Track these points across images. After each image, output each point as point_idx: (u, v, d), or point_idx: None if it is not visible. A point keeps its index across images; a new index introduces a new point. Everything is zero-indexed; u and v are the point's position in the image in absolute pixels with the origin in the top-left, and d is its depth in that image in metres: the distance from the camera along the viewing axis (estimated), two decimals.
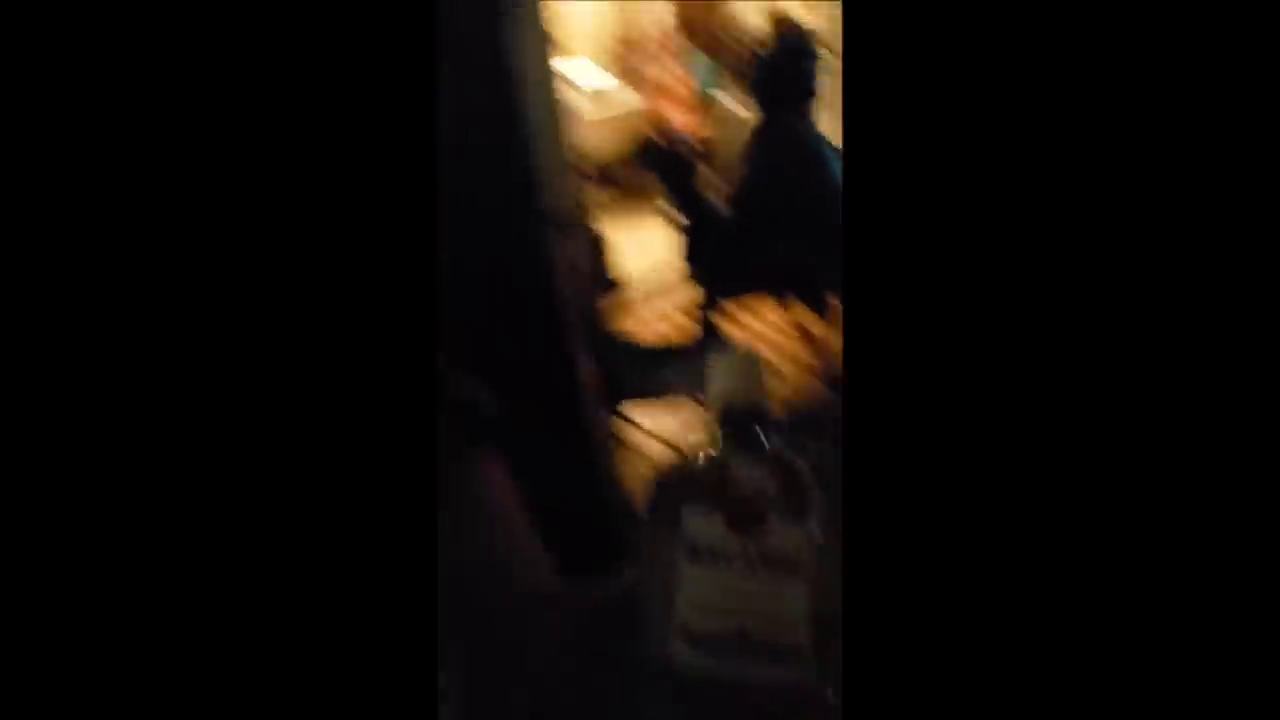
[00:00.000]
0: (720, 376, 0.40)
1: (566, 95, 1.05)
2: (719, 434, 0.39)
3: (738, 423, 0.39)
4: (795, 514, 0.35)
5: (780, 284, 1.41)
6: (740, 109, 1.70)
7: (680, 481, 0.37)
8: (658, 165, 1.61)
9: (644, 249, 2.37)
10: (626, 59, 4.24)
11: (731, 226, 1.51)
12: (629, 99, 3.78)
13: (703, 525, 0.35)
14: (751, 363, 0.41)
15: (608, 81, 3.74)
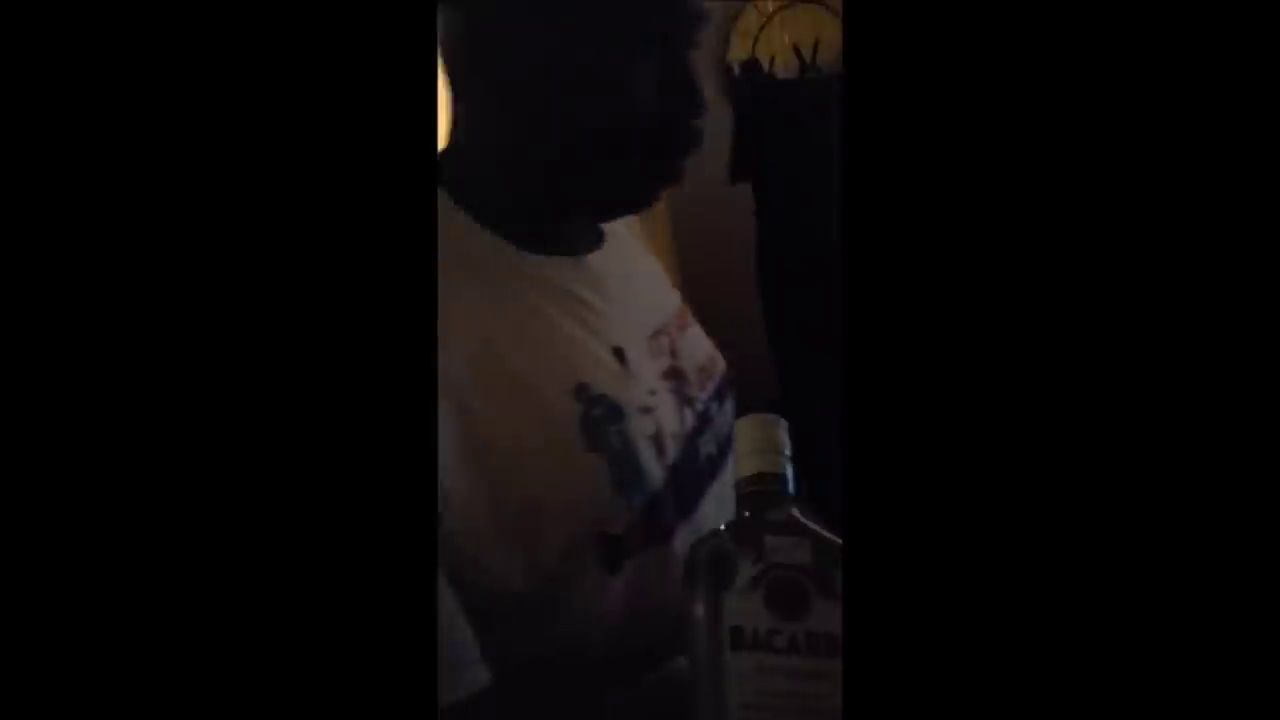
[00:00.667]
0: (743, 445, 0.40)
1: None
2: (748, 506, 0.38)
3: (766, 493, 0.38)
4: (831, 589, 0.35)
5: None
6: None
7: (715, 560, 0.36)
8: None
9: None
10: None
11: None
12: None
13: (743, 606, 0.34)
14: (774, 428, 0.40)
15: None
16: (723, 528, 0.38)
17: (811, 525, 0.37)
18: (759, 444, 0.39)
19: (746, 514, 0.38)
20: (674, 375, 0.56)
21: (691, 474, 0.54)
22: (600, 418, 0.49)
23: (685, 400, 0.55)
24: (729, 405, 0.61)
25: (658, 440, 0.52)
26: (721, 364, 0.62)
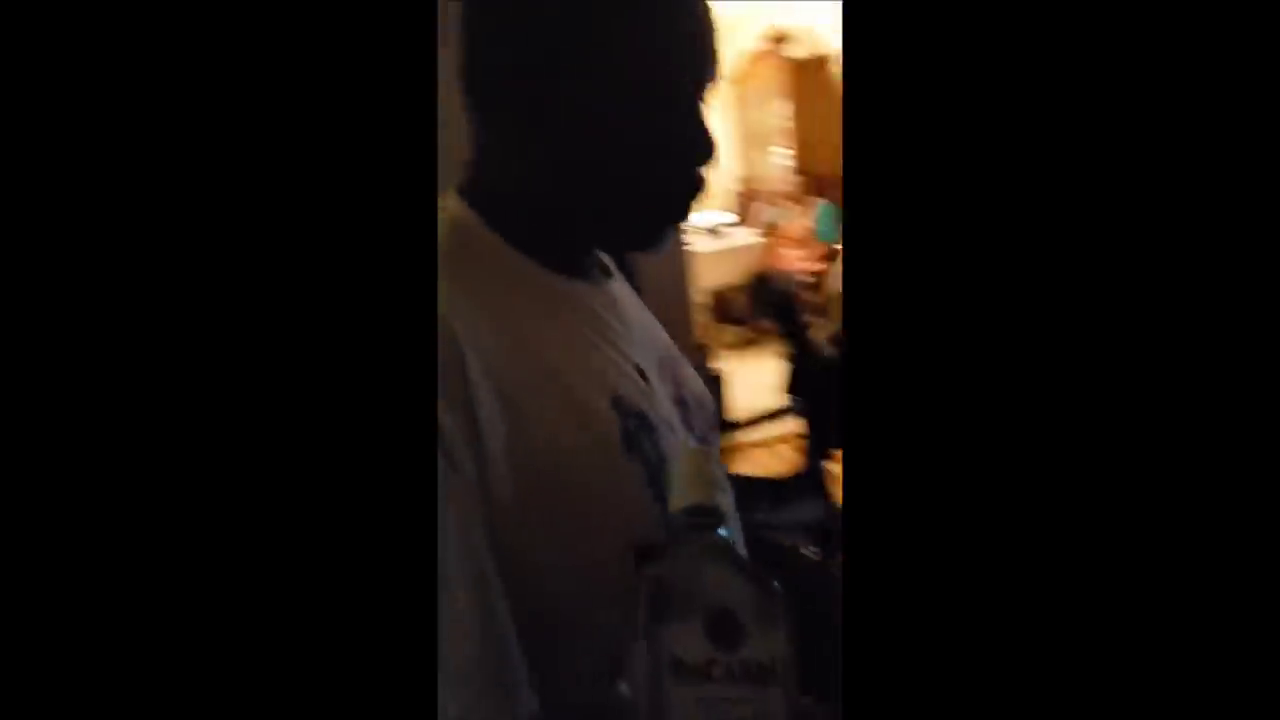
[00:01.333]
0: (679, 478, 0.40)
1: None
2: (687, 539, 0.39)
3: (702, 526, 0.39)
4: (768, 622, 0.36)
5: None
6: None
7: (658, 592, 0.37)
8: (768, 300, 1.66)
9: (755, 384, 2.36)
10: (745, 199, 4.31)
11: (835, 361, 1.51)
12: (744, 236, 3.92)
13: (684, 638, 0.35)
14: (707, 460, 0.40)
15: (725, 218, 3.91)
16: (662, 559, 0.39)
17: (744, 558, 0.38)
18: (694, 476, 0.40)
19: (684, 545, 0.39)
20: (680, 403, 0.60)
21: None
22: (636, 429, 0.52)
23: (690, 427, 0.59)
24: (717, 439, 0.65)
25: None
26: (710, 399, 0.67)
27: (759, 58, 4.34)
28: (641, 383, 0.56)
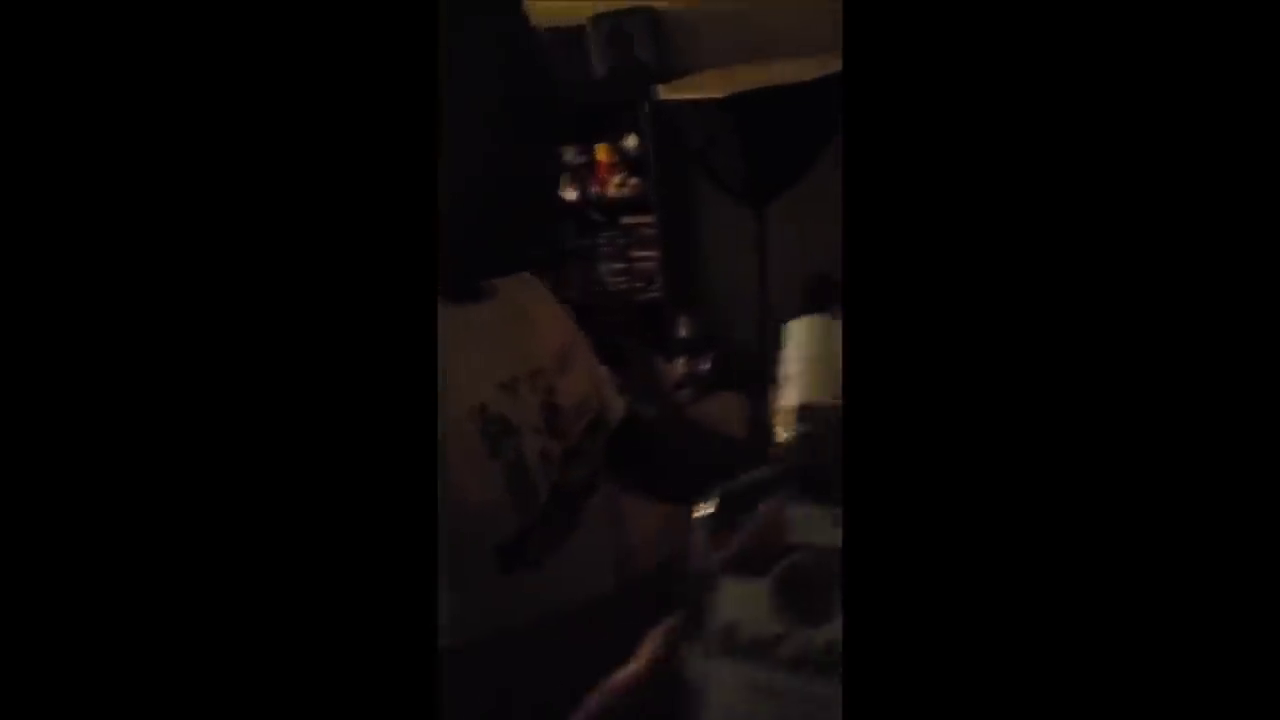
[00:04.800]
0: (794, 361, 0.30)
1: None
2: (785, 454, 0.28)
3: (817, 434, 0.28)
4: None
5: None
6: None
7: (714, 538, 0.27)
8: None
9: None
10: None
11: None
12: None
13: (744, 596, 0.26)
14: (834, 335, 0.30)
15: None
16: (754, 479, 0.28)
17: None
18: (811, 360, 0.29)
19: (775, 470, 0.28)
20: (549, 409, 0.66)
21: (568, 495, 0.65)
22: (497, 432, 0.60)
23: (559, 433, 0.66)
24: (601, 439, 0.73)
25: (546, 460, 0.63)
26: (595, 403, 0.73)
27: None
28: (508, 394, 0.63)
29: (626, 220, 2.44)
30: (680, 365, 2.37)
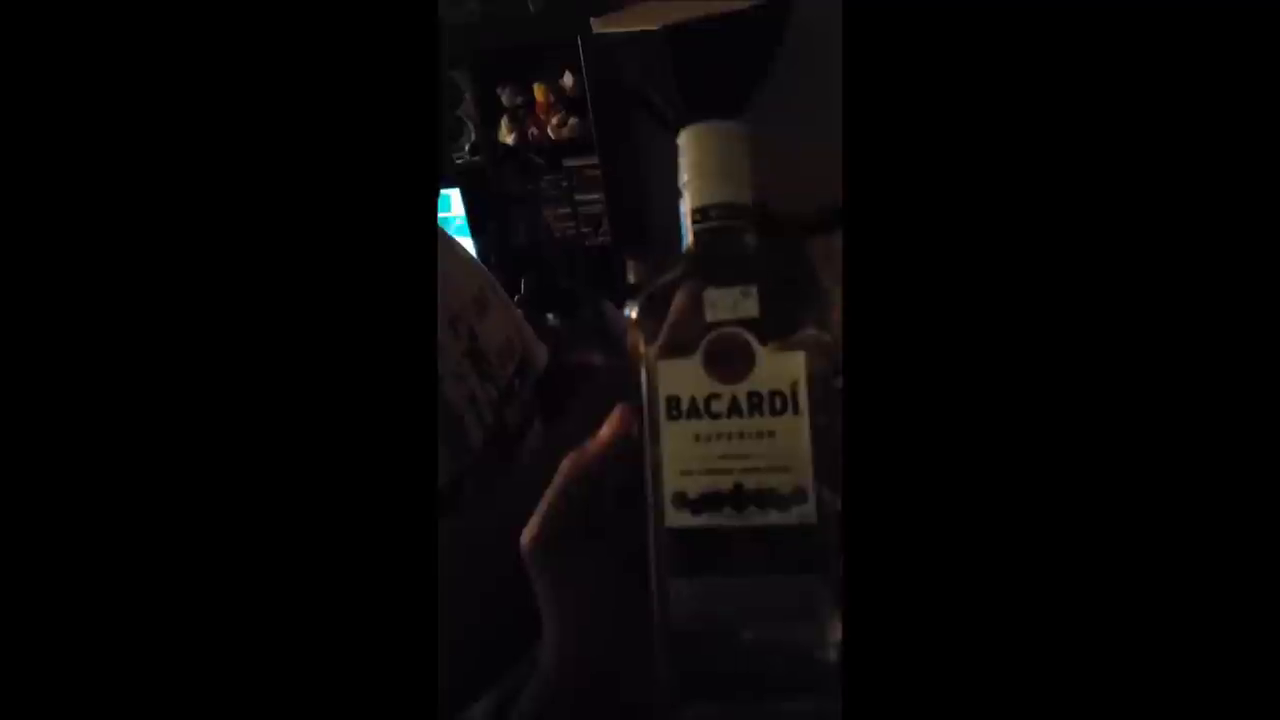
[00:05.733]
0: (693, 166, 0.34)
1: None
2: (696, 248, 0.33)
3: (716, 231, 0.33)
4: (780, 335, 0.31)
5: None
6: None
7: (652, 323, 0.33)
8: None
9: None
10: None
11: None
12: None
13: (679, 372, 0.31)
14: (732, 142, 0.34)
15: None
16: (667, 279, 0.33)
17: (772, 262, 0.33)
18: (712, 161, 0.33)
19: (691, 262, 0.33)
20: (474, 355, 0.65)
21: (504, 440, 0.65)
22: None
23: (488, 376, 0.65)
24: (530, 381, 0.72)
25: (474, 405, 0.62)
26: (518, 345, 0.72)
27: None
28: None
29: (569, 163, 2.39)
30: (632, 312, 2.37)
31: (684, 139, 0.34)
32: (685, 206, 0.34)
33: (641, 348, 0.32)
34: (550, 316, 2.42)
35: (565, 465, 0.34)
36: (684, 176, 0.34)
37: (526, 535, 0.33)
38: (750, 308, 0.31)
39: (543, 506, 0.33)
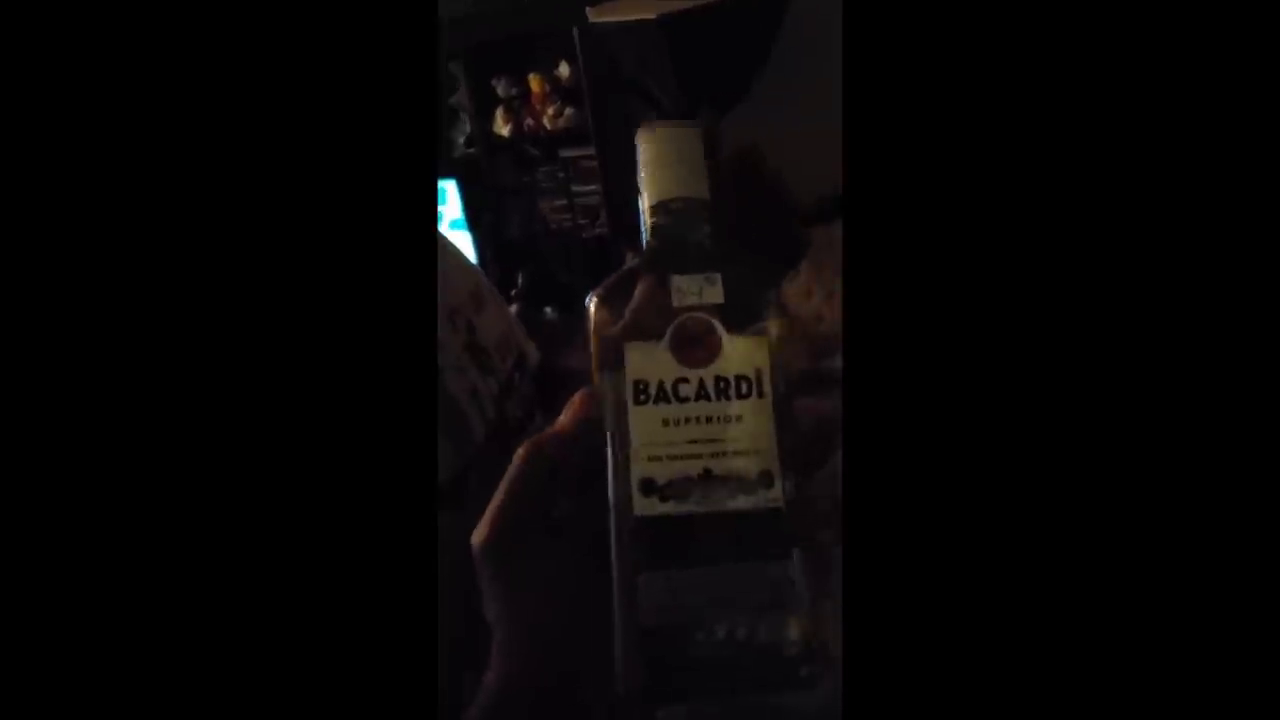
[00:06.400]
0: (651, 161, 0.34)
1: None
2: (655, 240, 0.34)
3: (674, 224, 0.34)
4: (743, 323, 0.32)
5: None
6: None
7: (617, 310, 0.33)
8: None
9: None
10: None
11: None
12: None
13: (643, 358, 0.31)
14: (688, 140, 0.35)
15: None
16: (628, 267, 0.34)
17: (730, 252, 0.33)
18: (668, 159, 0.34)
19: (652, 252, 0.34)
20: (473, 348, 0.65)
21: (506, 433, 0.65)
22: None
23: (488, 370, 0.65)
24: (528, 375, 0.72)
25: (476, 398, 0.62)
26: (515, 339, 0.72)
27: None
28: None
29: (566, 154, 2.38)
30: None
31: (640, 141, 0.35)
32: (644, 204, 0.34)
33: (603, 332, 0.32)
34: (548, 310, 2.40)
35: (520, 454, 0.32)
36: (641, 175, 0.35)
37: (476, 536, 0.32)
38: (715, 294, 0.32)
39: (495, 501, 0.32)
